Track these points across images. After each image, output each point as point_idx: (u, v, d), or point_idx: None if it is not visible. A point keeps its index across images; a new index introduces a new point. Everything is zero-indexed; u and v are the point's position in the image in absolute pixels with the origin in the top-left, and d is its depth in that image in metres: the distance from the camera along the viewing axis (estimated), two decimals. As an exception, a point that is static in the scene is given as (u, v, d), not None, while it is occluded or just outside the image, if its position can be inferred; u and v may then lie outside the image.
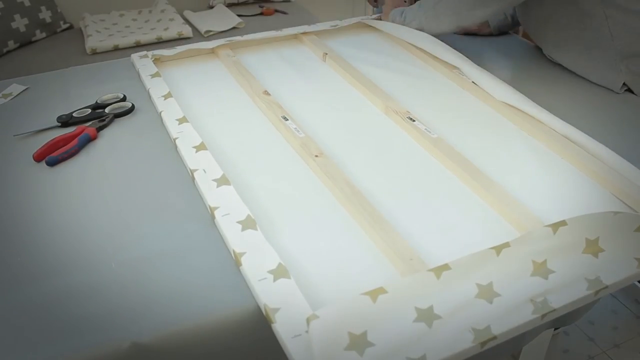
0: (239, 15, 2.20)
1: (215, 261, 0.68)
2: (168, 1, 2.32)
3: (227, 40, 1.21)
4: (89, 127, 0.92)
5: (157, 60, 1.14)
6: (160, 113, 0.95)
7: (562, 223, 0.67)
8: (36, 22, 2.07)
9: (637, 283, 1.63)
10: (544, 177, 0.83)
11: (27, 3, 2.05)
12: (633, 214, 0.69)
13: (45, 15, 2.11)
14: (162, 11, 2.24)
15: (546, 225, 0.67)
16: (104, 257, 0.69)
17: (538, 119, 0.93)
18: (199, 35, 2.09)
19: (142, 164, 0.86)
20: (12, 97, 1.04)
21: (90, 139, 0.91)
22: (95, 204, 0.78)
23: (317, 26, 1.30)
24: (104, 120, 0.95)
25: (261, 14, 2.31)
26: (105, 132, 0.94)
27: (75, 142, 0.88)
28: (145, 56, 1.14)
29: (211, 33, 2.08)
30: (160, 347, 0.59)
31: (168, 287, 0.64)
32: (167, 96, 0.99)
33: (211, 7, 2.38)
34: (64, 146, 0.88)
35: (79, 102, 1.01)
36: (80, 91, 1.05)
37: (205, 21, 2.17)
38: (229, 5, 2.39)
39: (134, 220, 0.75)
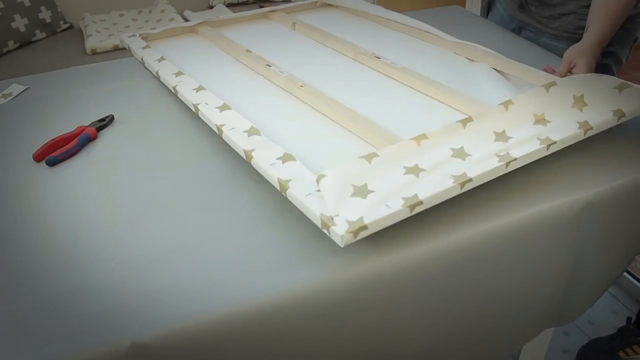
0: (239, 15, 2.20)
1: (215, 260, 0.68)
2: (168, 1, 2.32)
3: (206, 19, 1.32)
4: (89, 127, 0.92)
5: (144, 38, 1.23)
6: (157, 71, 1.04)
7: (510, 102, 0.83)
8: (36, 22, 2.07)
9: (637, 283, 1.63)
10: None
11: (27, 3, 2.05)
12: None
13: (45, 15, 2.11)
14: (162, 11, 2.25)
15: (499, 104, 0.82)
16: (104, 256, 0.69)
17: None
18: (199, 35, 2.09)
19: (142, 164, 0.86)
20: (12, 97, 1.04)
21: (90, 139, 0.91)
22: (95, 204, 0.78)
23: (285, 5, 1.42)
24: (104, 120, 0.95)
25: (261, 14, 2.30)
26: (105, 132, 0.94)
27: (75, 142, 0.88)
28: (134, 36, 1.23)
29: (211, 33, 2.08)
30: (160, 346, 0.59)
31: (168, 287, 0.64)
32: (161, 59, 1.08)
33: (211, 7, 2.38)
34: (63, 146, 0.88)
35: (79, 102, 1.01)
36: (80, 91, 1.05)
37: (205, 21, 2.17)
38: (229, 5, 2.39)
39: (134, 220, 0.75)
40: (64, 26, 2.19)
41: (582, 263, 0.85)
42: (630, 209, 0.84)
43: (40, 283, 0.65)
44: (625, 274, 1.61)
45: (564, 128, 0.81)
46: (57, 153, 0.86)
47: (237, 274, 0.66)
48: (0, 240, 0.72)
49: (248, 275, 0.66)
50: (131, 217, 0.75)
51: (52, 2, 2.14)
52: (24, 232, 0.73)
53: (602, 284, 0.93)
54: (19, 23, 2.02)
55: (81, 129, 0.92)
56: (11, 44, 2.00)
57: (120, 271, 0.66)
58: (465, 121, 0.79)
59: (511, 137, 0.78)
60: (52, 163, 0.85)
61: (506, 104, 0.83)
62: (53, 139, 0.89)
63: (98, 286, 0.64)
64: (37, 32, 2.08)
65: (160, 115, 0.97)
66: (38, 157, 0.86)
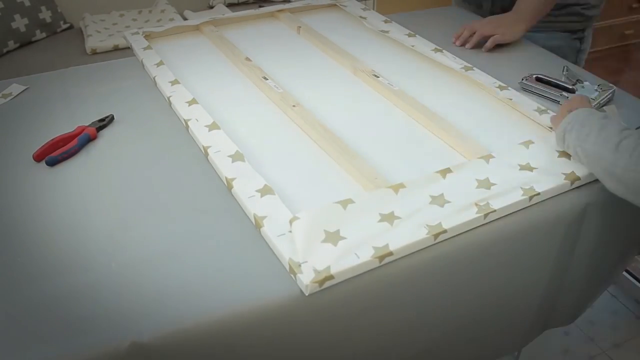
0: (239, 15, 2.20)
1: (215, 261, 0.68)
2: (168, 1, 2.31)
3: (211, 18, 1.31)
4: (89, 127, 0.92)
5: (147, 37, 1.23)
6: (155, 77, 1.03)
7: (490, 156, 0.81)
8: (36, 22, 2.07)
9: (637, 283, 1.63)
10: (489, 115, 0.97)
11: (27, 3, 2.05)
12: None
13: (45, 15, 2.11)
14: (162, 11, 2.24)
15: (479, 157, 0.80)
16: (104, 257, 0.69)
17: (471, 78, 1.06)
18: (199, 35, 2.09)
19: (142, 164, 0.86)
20: (12, 97, 1.04)
21: (90, 139, 0.91)
22: (94, 204, 0.78)
23: (291, 4, 1.42)
24: (104, 120, 0.95)
25: (261, 14, 2.30)
26: (105, 132, 0.94)
27: (75, 142, 0.88)
28: (137, 33, 1.23)
29: (211, 33, 2.08)
30: (160, 347, 0.59)
31: (167, 287, 0.64)
32: (159, 64, 1.08)
33: (211, 7, 2.38)
34: (64, 146, 0.88)
35: (78, 102, 1.01)
36: (80, 91, 1.05)
37: (205, 21, 2.17)
38: (229, 5, 2.39)
39: (134, 221, 0.75)
40: (64, 26, 2.19)
41: (580, 262, 0.85)
42: (627, 208, 0.84)
43: (40, 283, 0.65)
44: (625, 274, 1.61)
45: (549, 178, 0.78)
46: (57, 153, 0.86)
47: (237, 275, 0.66)
48: (0, 240, 0.72)
49: (248, 277, 0.66)
50: (131, 218, 0.75)
51: (52, 2, 2.14)
52: (24, 232, 0.73)
53: (599, 283, 0.93)
54: (19, 23, 2.02)
55: (81, 129, 0.92)
56: (11, 44, 2.00)
57: (119, 271, 0.66)
58: (445, 172, 0.78)
59: (494, 184, 0.76)
60: (52, 163, 0.85)
61: (487, 157, 0.81)
62: (53, 139, 0.89)
63: (98, 286, 0.64)
64: (37, 32, 2.08)
65: (160, 115, 0.97)
66: (38, 157, 0.86)
